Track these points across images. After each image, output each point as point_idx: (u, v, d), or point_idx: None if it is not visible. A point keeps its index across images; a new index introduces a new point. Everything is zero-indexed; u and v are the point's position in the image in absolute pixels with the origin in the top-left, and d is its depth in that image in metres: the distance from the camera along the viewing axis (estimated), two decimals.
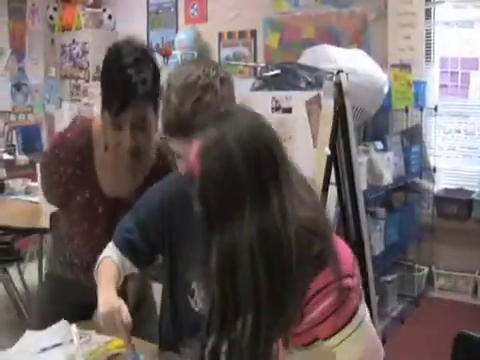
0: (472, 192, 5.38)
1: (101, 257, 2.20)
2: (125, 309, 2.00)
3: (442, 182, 5.82)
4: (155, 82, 2.47)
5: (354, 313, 1.69)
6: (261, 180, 1.60)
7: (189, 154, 1.83)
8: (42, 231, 5.01)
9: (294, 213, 1.62)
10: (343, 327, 1.68)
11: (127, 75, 2.39)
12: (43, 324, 2.61)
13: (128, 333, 2.02)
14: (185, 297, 2.27)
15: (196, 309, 2.26)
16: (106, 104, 2.47)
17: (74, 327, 2.37)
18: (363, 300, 1.75)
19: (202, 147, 1.63)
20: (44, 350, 2.38)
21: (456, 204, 5.24)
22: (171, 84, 2.02)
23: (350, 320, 1.69)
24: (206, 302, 1.72)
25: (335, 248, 1.70)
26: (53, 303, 2.92)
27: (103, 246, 2.42)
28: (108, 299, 2.03)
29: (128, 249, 2.21)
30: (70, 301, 2.80)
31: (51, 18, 8.69)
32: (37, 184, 5.43)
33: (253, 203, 1.58)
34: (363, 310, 1.73)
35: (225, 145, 1.60)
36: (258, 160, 1.60)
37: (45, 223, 4.66)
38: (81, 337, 2.31)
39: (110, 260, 2.20)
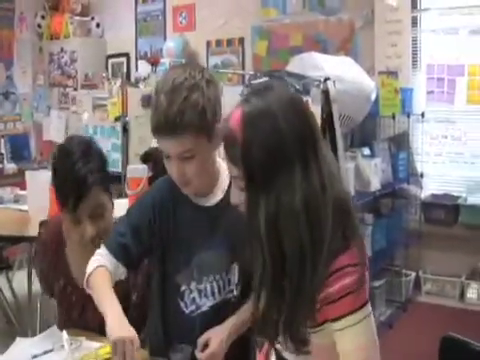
0: (459, 197, 5.42)
1: (93, 265, 2.18)
2: (137, 340, 1.97)
3: (429, 188, 5.85)
4: (103, 168, 2.60)
5: (364, 304, 1.75)
6: (303, 148, 1.70)
7: (175, 154, 2.02)
8: (31, 239, 5.01)
9: (330, 184, 1.73)
10: (352, 313, 1.73)
11: (76, 170, 2.48)
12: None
13: None
14: (175, 299, 2.29)
15: (186, 311, 2.29)
16: (62, 203, 2.55)
17: (65, 333, 2.38)
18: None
19: (246, 114, 1.70)
20: (35, 357, 2.39)
21: (443, 209, 5.27)
22: (159, 89, 2.07)
23: (360, 308, 1.74)
24: (255, 267, 1.78)
25: (360, 231, 1.81)
26: None
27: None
28: (121, 325, 1.99)
29: (121, 253, 2.21)
30: None
31: (39, 26, 8.69)
32: (26, 192, 5.44)
33: (296, 169, 1.68)
34: (369, 307, 1.78)
35: (270, 112, 1.69)
36: (300, 129, 1.71)
37: (34, 231, 4.66)
38: (72, 343, 2.32)
39: (103, 270, 2.17)
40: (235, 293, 2.31)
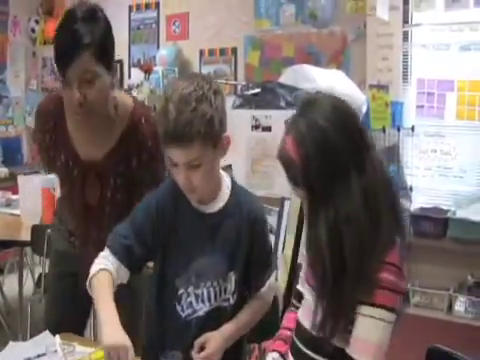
0: (447, 211, 5.45)
1: (96, 268, 2.19)
2: (132, 349, 1.99)
3: (418, 201, 5.87)
4: (106, 38, 2.61)
5: (393, 310, 1.86)
6: (356, 152, 1.83)
7: (183, 162, 2.09)
8: (22, 244, 5.03)
9: (384, 182, 1.88)
10: (381, 307, 1.85)
11: (73, 30, 2.48)
12: (57, 307, 3.02)
13: None
14: (172, 302, 2.32)
15: (182, 315, 2.32)
16: (57, 64, 2.55)
17: (58, 338, 2.41)
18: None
19: (296, 135, 1.84)
20: None
21: (432, 222, 5.29)
22: (168, 97, 2.11)
23: (389, 310, 1.86)
24: (316, 269, 1.93)
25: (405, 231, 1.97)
26: (59, 279, 3.09)
27: (82, 214, 2.79)
28: (116, 333, 2.00)
29: (125, 255, 2.23)
30: (71, 272, 2.90)
31: (33, 31, 8.69)
32: (17, 197, 5.46)
33: (352, 173, 1.81)
34: (394, 318, 1.88)
35: (318, 126, 1.82)
36: (350, 135, 1.84)
37: (26, 236, 4.69)
38: (64, 348, 2.34)
39: (106, 273, 2.18)
40: (231, 301, 2.35)
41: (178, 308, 2.32)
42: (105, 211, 2.87)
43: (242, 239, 2.33)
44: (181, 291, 2.31)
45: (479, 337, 4.59)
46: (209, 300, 2.33)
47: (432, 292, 5.44)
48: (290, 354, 2.15)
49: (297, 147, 1.82)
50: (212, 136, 2.10)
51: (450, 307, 5.34)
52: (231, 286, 2.35)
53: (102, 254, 2.25)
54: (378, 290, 1.84)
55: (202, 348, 2.23)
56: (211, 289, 2.32)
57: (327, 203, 1.82)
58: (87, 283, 2.19)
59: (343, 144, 1.82)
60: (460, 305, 5.25)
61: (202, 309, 2.33)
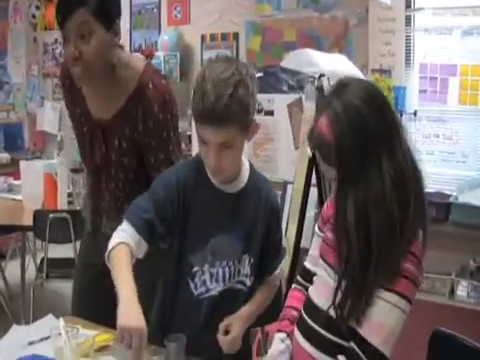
0: (450, 196, 5.43)
1: (115, 241, 2.19)
2: (146, 333, 1.97)
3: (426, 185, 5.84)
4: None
5: (409, 300, 1.90)
6: (388, 133, 1.86)
7: (215, 142, 2.14)
8: (24, 229, 5.04)
9: (413, 166, 1.92)
10: (399, 294, 1.87)
11: None
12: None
13: (140, 356, 2.01)
14: (186, 279, 2.35)
15: (195, 293, 2.35)
16: (56, 19, 2.63)
17: (61, 320, 2.41)
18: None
19: (331, 114, 1.85)
20: (31, 344, 2.42)
21: (434, 207, 5.27)
22: (206, 77, 2.13)
23: (406, 299, 1.89)
24: (342, 252, 1.93)
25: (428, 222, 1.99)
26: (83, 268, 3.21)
27: (92, 176, 2.99)
28: (132, 314, 1.98)
29: (144, 228, 2.23)
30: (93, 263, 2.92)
31: (33, 17, 8.67)
32: (19, 182, 5.47)
33: (383, 154, 1.83)
34: (408, 308, 1.92)
35: (353, 105, 1.84)
36: (382, 114, 1.87)
37: (28, 221, 4.70)
38: (68, 331, 2.34)
39: (125, 247, 2.17)
40: (248, 284, 2.41)
41: (191, 285, 2.35)
42: (111, 173, 2.90)
43: (258, 222, 2.38)
44: (196, 268, 2.34)
45: None
46: (223, 280, 2.36)
47: (434, 277, 5.42)
48: (297, 332, 2.16)
49: (331, 125, 1.84)
50: (246, 121, 2.16)
51: (452, 292, 5.34)
52: (245, 269, 2.39)
53: (120, 227, 2.26)
54: (400, 278, 1.85)
55: (226, 331, 2.27)
56: (226, 269, 2.35)
57: (357, 184, 1.83)
58: (106, 256, 2.18)
59: (376, 125, 1.84)
60: (462, 290, 5.24)
61: (216, 289, 2.36)
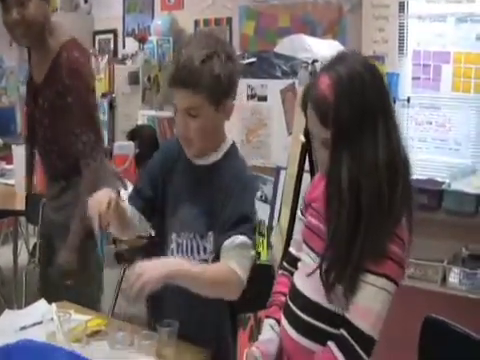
0: (442, 183, 5.44)
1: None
2: (114, 198, 2.22)
3: (413, 173, 5.84)
4: None
5: (396, 283, 1.89)
6: (385, 106, 1.88)
7: (182, 107, 2.23)
8: (17, 213, 5.03)
9: (404, 152, 1.93)
10: (385, 277, 1.86)
11: None
12: None
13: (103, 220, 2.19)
14: (164, 248, 2.43)
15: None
16: None
17: (54, 306, 2.42)
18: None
19: (335, 78, 1.85)
20: (23, 328, 2.42)
21: (426, 194, 5.27)
22: (183, 45, 2.26)
23: (392, 281, 1.88)
24: (333, 216, 1.91)
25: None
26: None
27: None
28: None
29: (135, 197, 2.48)
30: None
31: None
32: (12, 167, 5.45)
33: (379, 126, 1.85)
34: (394, 290, 1.90)
35: (356, 70, 1.85)
36: (381, 89, 1.89)
37: (20, 206, 4.68)
38: (60, 316, 2.35)
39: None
40: (209, 262, 2.34)
41: (168, 252, 2.41)
42: (40, 135, 3.41)
43: (222, 200, 2.32)
44: (169, 235, 2.42)
45: (472, 309, 4.62)
46: (187, 252, 2.36)
47: (426, 264, 5.44)
48: (284, 319, 2.15)
49: (333, 85, 1.83)
50: (215, 93, 2.21)
51: (444, 279, 5.35)
52: (209, 246, 2.35)
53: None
54: (386, 260, 1.85)
55: None
56: (189, 241, 2.37)
57: (352, 149, 1.83)
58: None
59: (376, 94, 1.86)
60: (454, 277, 5.25)
61: None
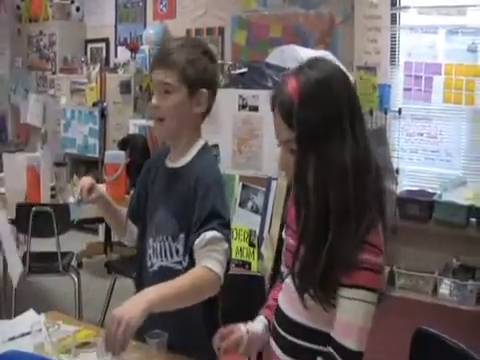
0: (433, 194, 5.46)
1: None
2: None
3: (404, 184, 5.88)
4: None
5: (376, 291, 1.85)
6: (352, 113, 1.86)
7: (156, 82, 2.33)
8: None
9: (371, 152, 1.89)
10: (364, 288, 1.84)
11: None
12: None
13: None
14: (144, 254, 2.45)
15: (148, 265, 2.42)
16: None
17: (42, 316, 2.40)
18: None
19: (302, 82, 1.84)
20: (12, 339, 2.39)
21: (418, 205, 5.29)
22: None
23: (372, 291, 1.85)
24: (301, 218, 1.90)
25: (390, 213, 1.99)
26: None
27: None
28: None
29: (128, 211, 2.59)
30: None
31: (18, 8, 8.64)
32: (2, 175, 5.43)
33: (347, 132, 1.83)
34: (376, 299, 1.87)
35: (326, 79, 1.85)
36: (349, 96, 1.87)
37: (11, 214, 4.66)
38: (49, 327, 2.33)
39: None
40: (184, 264, 2.31)
41: (147, 258, 2.43)
42: None
43: (190, 201, 2.29)
44: (147, 241, 2.44)
45: (463, 320, 4.62)
46: (161, 256, 2.37)
47: (417, 275, 5.46)
48: (272, 340, 2.14)
49: (300, 88, 1.83)
50: (189, 75, 2.29)
51: (435, 290, 5.36)
52: (182, 248, 2.33)
53: None
54: (359, 271, 1.83)
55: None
56: (162, 244, 2.37)
57: (318, 152, 1.82)
58: None
59: (344, 99, 1.84)
60: (445, 288, 5.27)
61: (156, 264, 2.38)
